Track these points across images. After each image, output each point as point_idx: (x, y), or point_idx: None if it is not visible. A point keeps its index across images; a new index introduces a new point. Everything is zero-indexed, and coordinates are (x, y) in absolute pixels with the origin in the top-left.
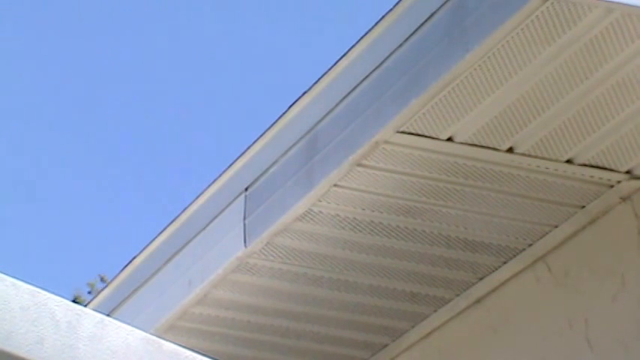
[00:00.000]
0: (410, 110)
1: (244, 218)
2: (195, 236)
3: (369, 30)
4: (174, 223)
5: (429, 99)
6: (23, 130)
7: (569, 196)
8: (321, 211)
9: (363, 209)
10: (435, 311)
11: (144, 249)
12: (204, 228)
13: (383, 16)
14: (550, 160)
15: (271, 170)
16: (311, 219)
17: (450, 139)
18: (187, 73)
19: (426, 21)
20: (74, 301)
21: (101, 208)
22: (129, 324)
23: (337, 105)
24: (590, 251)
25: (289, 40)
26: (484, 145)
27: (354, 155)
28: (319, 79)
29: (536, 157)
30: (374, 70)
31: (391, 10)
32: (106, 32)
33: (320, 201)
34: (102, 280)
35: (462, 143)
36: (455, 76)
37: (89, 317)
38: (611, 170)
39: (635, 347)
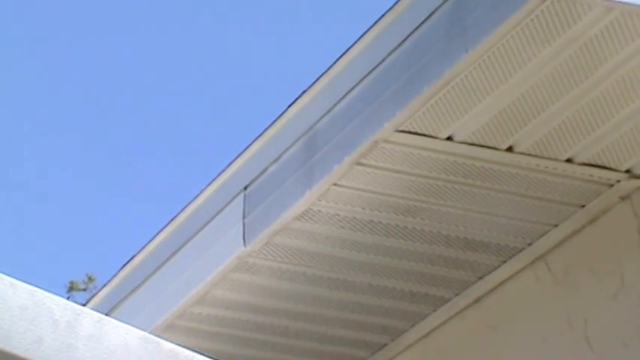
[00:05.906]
0: (409, 109)
1: (243, 217)
2: (194, 235)
3: (369, 28)
4: (173, 222)
5: (428, 98)
6: (21, 128)
7: (569, 195)
8: (320, 211)
9: (363, 208)
10: (435, 311)
11: (143, 248)
12: (203, 227)
13: (382, 15)
14: (550, 159)
15: (270, 169)
16: (310, 218)
17: (449, 138)
18: (186, 72)
19: (425, 20)
20: (70, 288)
21: (101, 207)
22: (128, 323)
23: (337, 104)
24: (590, 250)
25: (288, 39)
26: (484, 144)
27: (353, 154)
28: (319, 77)
29: (535, 156)
30: (373, 69)
31: (391, 8)
32: (104, 32)
33: (319, 200)
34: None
35: (461, 142)
36: (454, 75)
37: (88, 316)
38: (611, 169)
39: (634, 346)
